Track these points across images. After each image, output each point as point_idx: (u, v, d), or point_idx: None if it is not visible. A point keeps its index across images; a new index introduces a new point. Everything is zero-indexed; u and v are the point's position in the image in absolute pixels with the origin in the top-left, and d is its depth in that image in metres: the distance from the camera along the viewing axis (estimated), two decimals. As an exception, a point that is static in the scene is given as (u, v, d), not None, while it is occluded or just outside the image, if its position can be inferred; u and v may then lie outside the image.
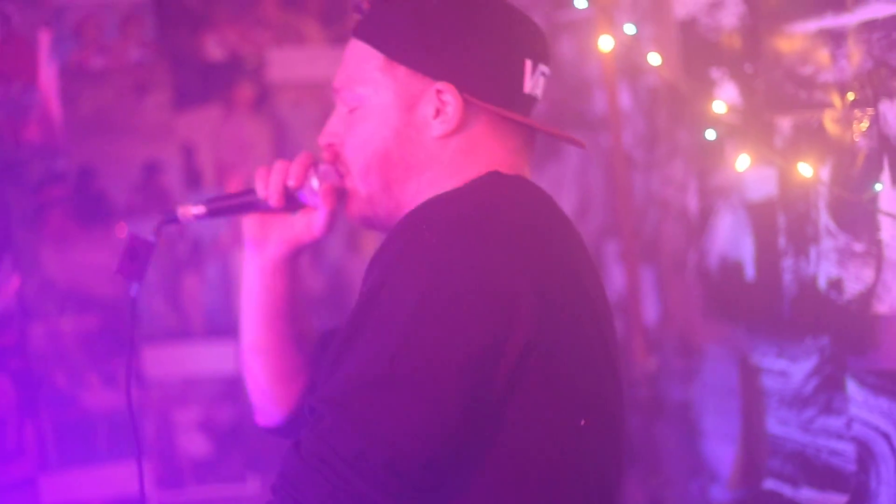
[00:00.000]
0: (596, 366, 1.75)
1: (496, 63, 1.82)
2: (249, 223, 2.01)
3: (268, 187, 1.95)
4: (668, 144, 2.89)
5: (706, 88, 2.59)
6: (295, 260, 2.03)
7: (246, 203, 1.98)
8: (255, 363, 2.07)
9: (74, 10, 3.43)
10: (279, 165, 1.95)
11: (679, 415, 2.91)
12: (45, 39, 3.41)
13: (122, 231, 3.49)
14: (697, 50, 2.64)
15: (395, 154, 1.84)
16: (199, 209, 1.94)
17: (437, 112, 1.82)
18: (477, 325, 1.62)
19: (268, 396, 2.08)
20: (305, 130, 3.56)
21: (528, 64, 1.83)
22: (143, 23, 3.49)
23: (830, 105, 2.27)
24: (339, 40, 3.56)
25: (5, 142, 3.38)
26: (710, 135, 2.50)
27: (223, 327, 3.49)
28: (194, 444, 3.49)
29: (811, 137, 2.31)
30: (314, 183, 1.93)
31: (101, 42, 3.47)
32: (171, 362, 3.48)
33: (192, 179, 3.54)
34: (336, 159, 1.91)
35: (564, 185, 3.43)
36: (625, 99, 3.03)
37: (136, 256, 1.91)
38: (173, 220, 1.95)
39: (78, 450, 3.41)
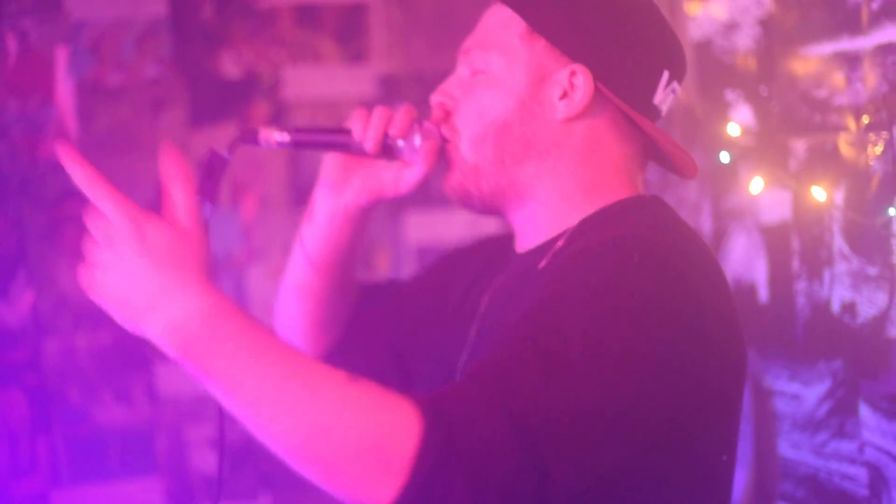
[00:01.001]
0: (741, 402, 1.73)
1: (638, 63, 1.75)
2: (332, 163, 1.91)
3: (366, 130, 1.81)
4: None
5: (721, 110, 2.59)
6: (369, 211, 1.93)
7: (338, 142, 1.84)
8: (297, 304, 2.00)
9: (92, 27, 3.44)
10: (382, 111, 1.82)
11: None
12: (62, 56, 3.42)
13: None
14: (712, 72, 2.65)
15: (516, 127, 1.75)
16: (283, 136, 1.78)
17: (564, 94, 1.74)
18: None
19: (302, 339, 2.02)
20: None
21: (666, 75, 1.77)
22: (159, 40, 3.50)
23: (845, 128, 2.26)
24: (355, 58, 3.57)
25: (21, 157, 3.39)
26: (725, 157, 2.50)
27: (236, 344, 3.49)
28: (207, 461, 3.50)
29: (825, 160, 2.31)
30: (416, 139, 1.82)
31: (117, 59, 3.48)
32: (184, 379, 3.47)
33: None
34: (445, 121, 1.82)
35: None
36: (639, 120, 3.03)
37: (211, 174, 1.73)
38: (253, 140, 1.78)
39: (90, 466, 3.41)
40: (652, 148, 1.81)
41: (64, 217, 3.45)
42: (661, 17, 1.80)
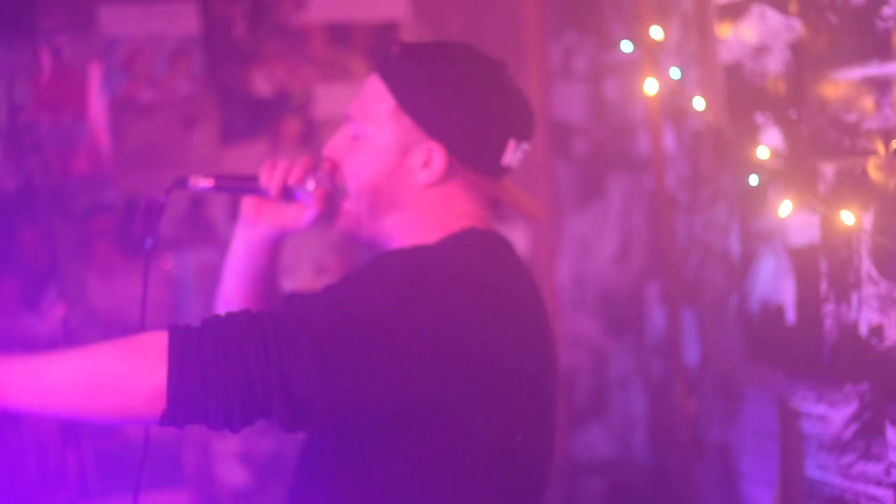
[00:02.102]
0: (537, 387, 2.10)
1: (485, 139, 2.16)
2: (247, 204, 2.40)
3: (271, 179, 2.27)
4: (712, 188, 2.90)
5: (750, 133, 2.61)
6: (278, 242, 2.43)
7: (249, 188, 2.32)
8: (226, 309, 2.36)
9: (125, 44, 3.48)
10: (284, 163, 2.27)
11: (718, 457, 2.91)
12: (95, 72, 3.46)
13: (167, 263, 3.53)
14: (742, 95, 2.66)
15: (383, 188, 2.18)
16: (207, 182, 2.29)
17: (425, 164, 2.16)
18: (421, 335, 1.94)
19: None
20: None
21: (512, 143, 2.18)
22: (192, 57, 3.53)
23: (874, 152, 2.28)
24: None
25: (54, 173, 3.42)
26: (754, 180, 2.51)
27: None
28: (234, 475, 3.52)
29: (854, 184, 2.32)
30: (310, 185, 2.26)
31: (150, 76, 3.51)
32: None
33: (238, 212, 3.56)
34: (334, 171, 2.24)
35: (607, 225, 3.45)
36: (669, 141, 3.05)
37: (149, 215, 2.23)
38: (183, 185, 2.28)
39: (118, 478, 3.44)
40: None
41: (95, 232, 3.48)
42: (507, 90, 2.19)
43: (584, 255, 3.62)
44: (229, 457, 3.52)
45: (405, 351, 1.92)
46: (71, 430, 3.36)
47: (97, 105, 3.47)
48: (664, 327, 3.08)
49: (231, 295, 2.49)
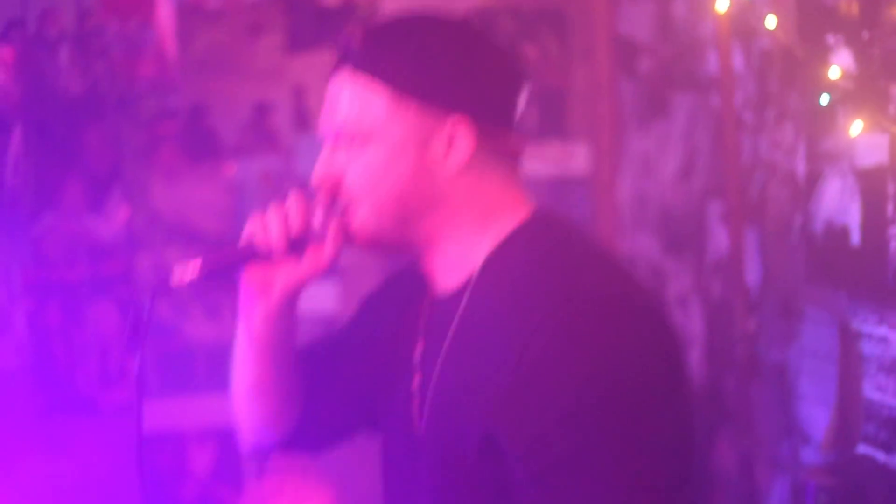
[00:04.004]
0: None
1: (502, 92, 1.81)
2: (250, 277, 1.88)
3: (268, 238, 1.83)
4: (778, 108, 2.89)
5: (821, 54, 2.60)
6: (297, 297, 1.91)
7: (246, 257, 1.84)
8: (254, 403, 2.02)
9: (193, -49, 3.49)
10: (274, 213, 1.83)
11: (775, 377, 2.93)
12: (163, -22, 3.48)
13: (231, 169, 3.56)
14: (814, 14, 2.65)
15: (411, 193, 1.78)
16: (192, 271, 1.81)
17: (450, 145, 1.77)
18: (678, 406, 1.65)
19: (263, 428, 2.05)
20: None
21: (524, 90, 1.84)
22: (259, -35, 3.54)
23: (947, 74, 2.27)
24: None
25: (121, 78, 3.46)
26: (824, 100, 2.51)
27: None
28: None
29: (926, 106, 2.32)
30: (316, 222, 1.83)
31: (218, -18, 3.53)
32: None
33: (301, 121, 3.59)
34: (335, 196, 1.82)
35: (671, 143, 3.45)
36: (737, 60, 3.04)
37: (134, 330, 1.82)
38: (166, 286, 1.83)
39: (178, 379, 3.50)
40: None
41: (160, 136, 3.52)
42: (493, 39, 1.84)
43: (646, 174, 3.62)
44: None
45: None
46: (132, 331, 3.41)
47: (164, 11, 3.49)
48: (725, 247, 3.09)
49: (259, 385, 2.00)
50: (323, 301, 3.55)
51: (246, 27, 3.56)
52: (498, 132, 1.80)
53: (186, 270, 1.79)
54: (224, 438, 3.50)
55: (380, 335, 2.01)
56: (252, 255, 1.83)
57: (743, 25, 2.97)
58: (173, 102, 3.51)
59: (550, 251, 1.75)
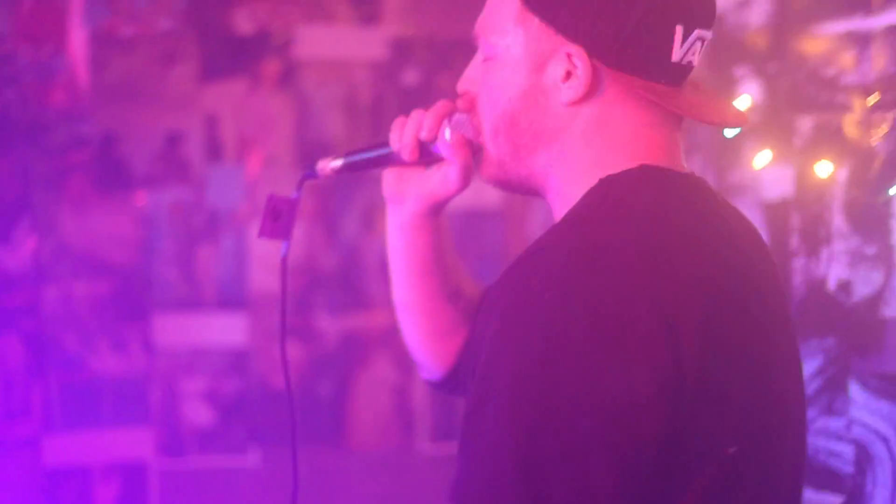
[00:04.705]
0: (753, 389, 1.51)
1: (638, 30, 1.56)
2: (387, 178, 1.87)
3: (401, 140, 1.78)
4: (688, 139, 2.89)
5: (729, 85, 2.59)
6: (436, 215, 1.87)
7: (382, 157, 1.83)
8: (405, 320, 1.97)
9: (106, -23, 3.46)
10: (415, 115, 1.77)
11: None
12: (76, 5, 3.43)
13: (141, 199, 3.51)
14: (722, 47, 2.65)
15: (522, 118, 1.63)
16: (337, 164, 1.84)
17: (567, 75, 1.58)
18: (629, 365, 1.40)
19: (422, 352, 1.98)
20: (329, 108, 3.57)
21: (679, 30, 1.57)
22: (174, -7, 3.51)
23: (851, 108, 2.27)
24: (369, 20, 3.58)
25: (31, 104, 3.40)
26: (730, 132, 2.50)
27: (235, 299, 3.51)
28: (198, 414, 3.51)
29: (830, 139, 2.32)
30: (446, 134, 1.74)
31: (131, 10, 3.49)
32: (180, 331, 3.50)
33: (214, 151, 3.55)
34: (472, 109, 1.71)
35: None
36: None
37: (278, 216, 1.86)
38: (312, 175, 1.86)
39: (83, 413, 3.43)
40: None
41: (70, 165, 3.46)
42: None
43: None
44: (195, 396, 3.51)
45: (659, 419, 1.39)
46: (37, 363, 3.35)
47: (77, 38, 3.45)
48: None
49: (404, 299, 1.96)
50: (230, 334, 3.50)
51: (159, 55, 3.52)
52: (634, 75, 1.57)
53: (332, 161, 1.84)
54: (130, 473, 3.44)
55: None
56: (386, 156, 1.82)
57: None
58: (84, 131, 3.45)
59: (600, 207, 1.55)
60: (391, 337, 3.54)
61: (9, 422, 3.39)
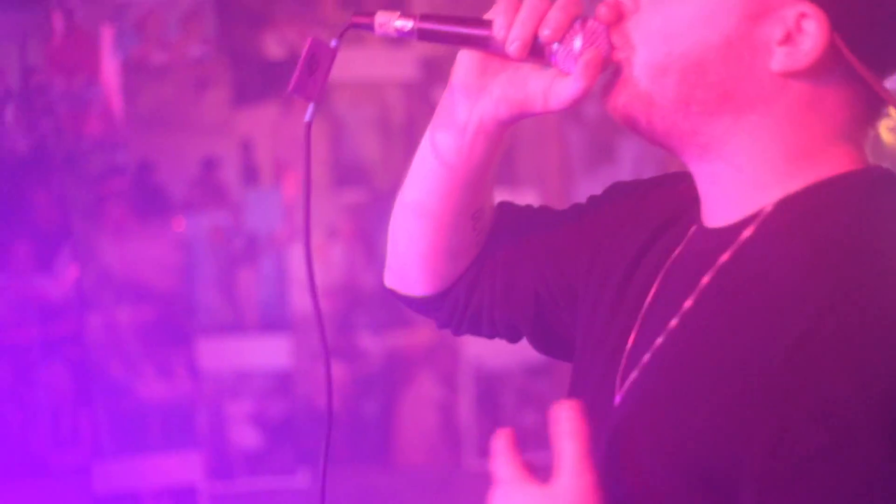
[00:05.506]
0: None
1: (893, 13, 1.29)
2: (466, 62, 1.46)
3: (511, 27, 1.39)
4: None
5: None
6: (509, 126, 1.49)
7: (475, 37, 1.42)
8: (412, 226, 1.62)
9: (137, 6, 3.48)
10: (535, 3, 1.38)
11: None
12: (107, 34, 3.46)
13: (180, 225, 3.54)
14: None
15: (713, 71, 1.31)
16: (406, 24, 1.41)
17: (786, 38, 1.28)
18: None
19: (417, 264, 1.64)
20: (362, 130, 3.59)
21: None
22: (204, 20, 3.54)
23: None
24: (398, 40, 3.59)
25: (67, 134, 3.44)
26: None
27: (277, 321, 3.54)
28: (246, 437, 3.54)
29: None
30: (577, 42, 1.37)
31: (162, 38, 3.52)
32: (224, 355, 3.53)
33: (249, 175, 3.58)
34: (616, 24, 1.36)
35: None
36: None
37: (314, 67, 1.43)
38: (368, 27, 1.44)
39: (131, 439, 3.46)
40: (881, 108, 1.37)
41: (108, 194, 3.50)
42: None
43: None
44: (242, 419, 3.54)
45: None
46: (83, 391, 3.39)
47: (109, 67, 3.48)
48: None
49: (427, 206, 1.58)
50: (274, 356, 3.53)
51: (192, 82, 3.55)
52: (867, 64, 1.28)
53: (399, 19, 1.42)
54: (180, 497, 3.47)
55: (610, 241, 1.56)
56: (483, 39, 1.42)
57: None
58: (120, 159, 3.49)
59: (881, 216, 1.29)
60: (435, 354, 3.58)
61: (58, 450, 3.43)
